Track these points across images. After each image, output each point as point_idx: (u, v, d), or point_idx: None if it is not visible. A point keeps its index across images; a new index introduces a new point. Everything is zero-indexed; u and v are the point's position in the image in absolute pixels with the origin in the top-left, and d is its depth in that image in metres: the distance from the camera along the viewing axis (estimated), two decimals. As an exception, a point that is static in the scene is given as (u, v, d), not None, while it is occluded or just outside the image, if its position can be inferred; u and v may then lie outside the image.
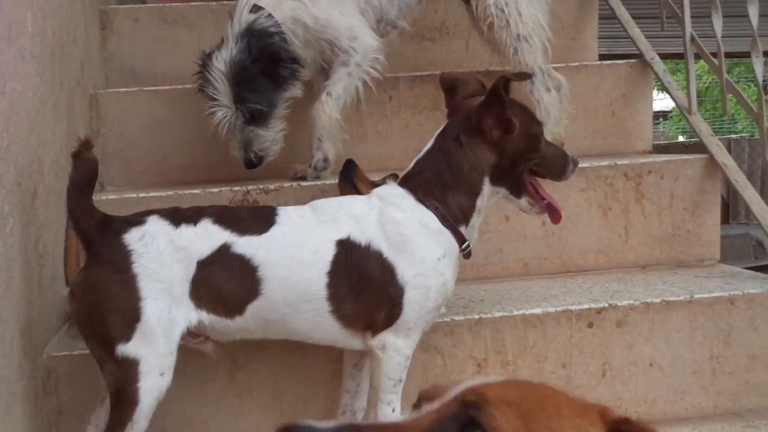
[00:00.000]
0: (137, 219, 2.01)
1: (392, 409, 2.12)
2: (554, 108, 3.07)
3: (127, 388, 1.92)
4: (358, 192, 2.57)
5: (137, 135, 3.04)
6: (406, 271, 2.07)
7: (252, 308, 2.03)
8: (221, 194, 2.72)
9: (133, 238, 1.97)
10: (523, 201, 2.22)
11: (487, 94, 2.12)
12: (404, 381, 2.13)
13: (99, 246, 1.96)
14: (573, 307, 2.49)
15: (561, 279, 2.87)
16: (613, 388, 2.52)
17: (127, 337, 1.92)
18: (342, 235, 2.07)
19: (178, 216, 2.03)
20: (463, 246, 2.17)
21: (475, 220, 2.20)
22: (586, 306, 2.49)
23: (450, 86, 2.30)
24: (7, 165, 2.00)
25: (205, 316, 2.02)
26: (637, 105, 3.41)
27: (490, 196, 2.19)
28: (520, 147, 2.14)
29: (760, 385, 2.60)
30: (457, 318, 2.45)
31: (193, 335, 2.06)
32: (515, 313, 2.46)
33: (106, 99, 3.22)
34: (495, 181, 2.16)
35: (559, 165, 2.23)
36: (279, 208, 2.13)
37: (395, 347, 2.09)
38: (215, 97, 2.76)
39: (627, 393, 2.53)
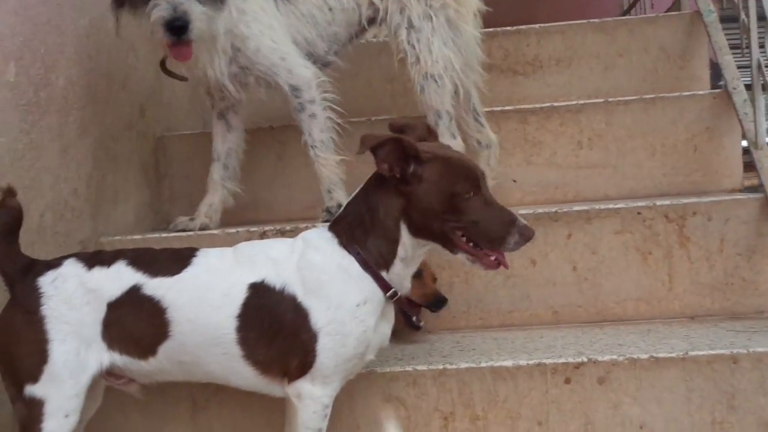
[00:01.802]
0: (56, 262, 2.12)
1: None
2: None
3: (31, 427, 2.02)
4: None
5: (203, 176, 3.13)
6: (320, 317, 2.04)
7: (163, 350, 2.08)
8: (238, 235, 2.81)
9: (46, 281, 2.08)
10: (461, 257, 2.09)
11: (382, 139, 2.05)
12: (324, 431, 2.11)
13: (18, 288, 2.09)
14: (547, 361, 2.33)
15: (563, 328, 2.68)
16: (599, 451, 2.32)
17: (34, 378, 2.02)
18: (256, 278, 2.07)
19: (94, 259, 2.13)
20: (388, 294, 2.09)
21: (401, 269, 2.10)
22: (562, 360, 2.32)
23: (398, 131, 2.26)
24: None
25: (118, 358, 2.09)
26: (723, 139, 3.10)
27: (415, 247, 2.09)
28: (431, 203, 2.03)
29: (779, 450, 2.27)
30: (419, 368, 2.37)
31: (115, 376, 2.16)
32: (483, 365, 2.35)
33: (172, 141, 3.45)
34: (415, 233, 2.08)
35: (493, 233, 2.03)
36: (201, 250, 2.18)
37: (311, 395, 2.07)
38: None
39: (615, 457, 2.32)
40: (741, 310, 2.69)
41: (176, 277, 2.08)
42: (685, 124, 3.13)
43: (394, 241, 2.08)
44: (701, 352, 2.28)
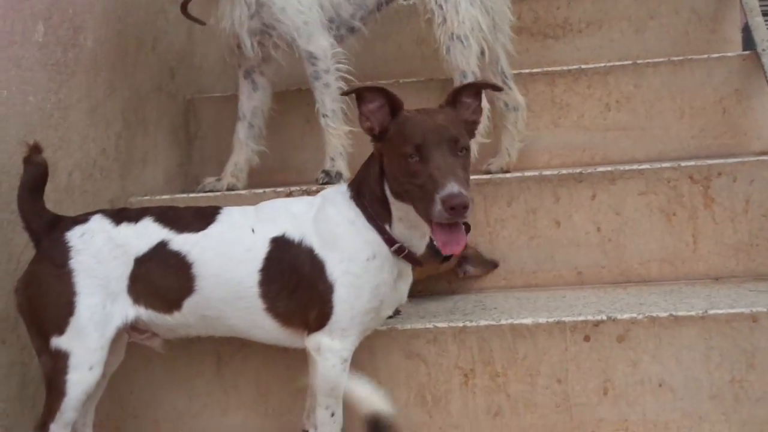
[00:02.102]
0: (82, 218, 2.17)
1: (331, 413, 2.13)
2: (484, 117, 2.87)
3: (56, 379, 2.06)
4: None
5: (231, 138, 3.16)
6: (335, 268, 2.07)
7: (188, 304, 2.13)
8: (265, 195, 2.84)
9: (74, 235, 2.12)
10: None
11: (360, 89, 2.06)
12: (344, 386, 2.11)
13: (44, 243, 2.14)
14: (567, 319, 2.34)
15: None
16: (617, 409, 2.32)
17: (60, 330, 2.07)
18: (277, 233, 2.12)
19: (121, 215, 2.18)
20: (393, 247, 2.10)
21: (403, 228, 2.09)
22: (581, 318, 2.33)
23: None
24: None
25: (144, 312, 2.14)
26: (752, 101, 3.07)
27: (403, 209, 2.06)
28: (390, 163, 2.02)
29: (795, 415, 2.26)
30: (440, 325, 2.39)
31: (138, 331, 2.21)
32: (503, 322, 2.36)
33: (202, 104, 3.48)
34: (393, 194, 2.06)
35: (419, 201, 1.95)
36: (224, 208, 2.22)
37: (330, 349, 2.10)
38: None
39: (633, 415, 2.33)
40: (765, 272, 2.68)
41: (201, 233, 2.13)
42: (713, 86, 3.10)
43: (384, 201, 2.09)
44: (721, 311, 2.28)
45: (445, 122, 1.98)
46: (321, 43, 2.90)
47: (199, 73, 3.56)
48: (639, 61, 3.16)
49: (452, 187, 1.86)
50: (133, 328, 2.18)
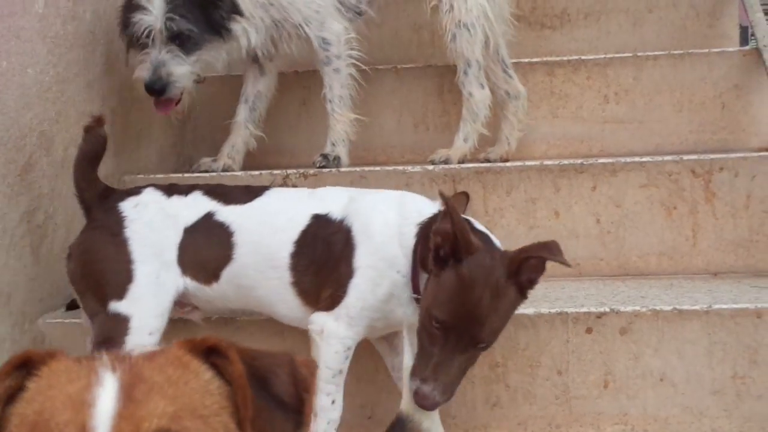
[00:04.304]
0: (135, 190, 2.21)
1: (332, 400, 2.08)
2: (484, 108, 2.89)
3: (116, 339, 2.07)
4: None
5: (228, 120, 3.13)
6: (363, 256, 2.05)
7: (226, 273, 2.13)
8: (261, 177, 2.80)
9: (128, 206, 2.15)
10: None
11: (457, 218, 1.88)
12: (345, 373, 2.10)
13: (97, 212, 2.16)
14: (569, 310, 2.32)
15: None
16: (618, 402, 2.31)
17: (120, 296, 2.08)
18: (322, 210, 2.12)
19: (172, 188, 2.21)
20: (414, 295, 2.04)
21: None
22: (584, 309, 2.31)
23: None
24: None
25: (189, 283, 2.15)
26: (751, 97, 3.07)
27: None
28: (425, 301, 1.94)
29: (796, 412, 2.26)
30: (440, 314, 2.37)
31: (180, 304, 2.20)
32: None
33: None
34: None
35: (417, 349, 1.95)
36: (274, 187, 2.26)
37: (335, 334, 2.06)
38: (146, 6, 2.63)
39: (634, 408, 2.32)
40: (765, 268, 2.67)
41: (247, 205, 2.16)
42: (713, 81, 3.10)
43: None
44: (725, 306, 2.27)
45: (486, 314, 1.85)
46: (334, 28, 2.89)
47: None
48: (639, 54, 3.16)
49: (427, 389, 1.86)
50: (179, 302, 2.18)
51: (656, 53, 3.12)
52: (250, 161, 3.11)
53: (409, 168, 2.74)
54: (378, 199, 2.14)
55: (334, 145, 2.91)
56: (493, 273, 1.86)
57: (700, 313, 2.27)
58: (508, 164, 2.81)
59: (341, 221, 2.09)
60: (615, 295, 2.45)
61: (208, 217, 2.14)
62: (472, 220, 2.05)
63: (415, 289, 2.04)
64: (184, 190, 2.19)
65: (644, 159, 2.72)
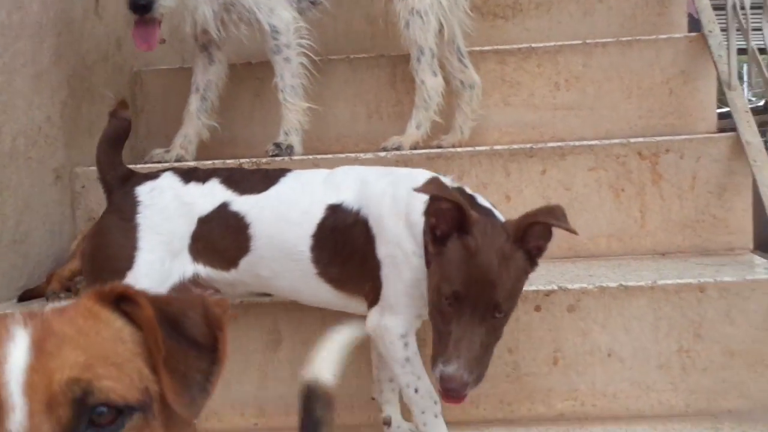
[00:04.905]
0: (154, 174, 2.18)
1: (414, 389, 2.03)
2: (437, 95, 2.92)
3: None
4: None
5: (180, 113, 3.12)
6: (381, 247, 2.01)
7: (244, 263, 2.11)
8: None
9: (144, 190, 2.13)
10: None
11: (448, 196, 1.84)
12: (415, 360, 2.03)
13: (115, 196, 2.15)
14: (518, 289, 2.34)
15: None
16: (567, 378, 2.34)
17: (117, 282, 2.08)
18: (336, 200, 2.07)
19: (190, 174, 2.18)
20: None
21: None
22: (533, 288, 2.34)
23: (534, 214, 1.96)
24: None
25: (202, 269, 2.13)
26: (698, 82, 3.12)
27: None
28: (431, 281, 1.90)
29: (740, 384, 2.31)
30: (391, 294, 2.38)
31: (201, 286, 2.18)
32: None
33: (149, 76, 3.44)
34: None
35: (434, 337, 1.89)
36: (293, 171, 2.20)
37: (384, 327, 2.02)
38: None
39: (583, 384, 2.34)
40: (711, 247, 2.72)
41: (262, 195, 2.12)
42: (661, 67, 3.14)
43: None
44: (669, 281, 2.30)
45: (498, 275, 1.78)
46: (284, 16, 2.89)
47: (146, 46, 3.49)
48: (588, 41, 3.19)
49: (452, 369, 1.75)
50: (195, 283, 2.16)
51: (605, 40, 3.16)
52: (205, 152, 3.10)
53: (362, 155, 2.76)
54: (388, 182, 2.06)
55: (287, 134, 2.92)
56: (497, 239, 1.81)
57: (645, 288, 2.30)
58: (459, 150, 2.84)
59: (357, 212, 2.04)
60: (564, 275, 2.48)
61: (223, 208, 2.10)
62: (477, 195, 2.02)
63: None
64: (202, 177, 2.15)
65: (592, 142, 2.76)
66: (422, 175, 2.05)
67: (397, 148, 2.85)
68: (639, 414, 2.33)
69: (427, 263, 1.94)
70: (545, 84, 3.20)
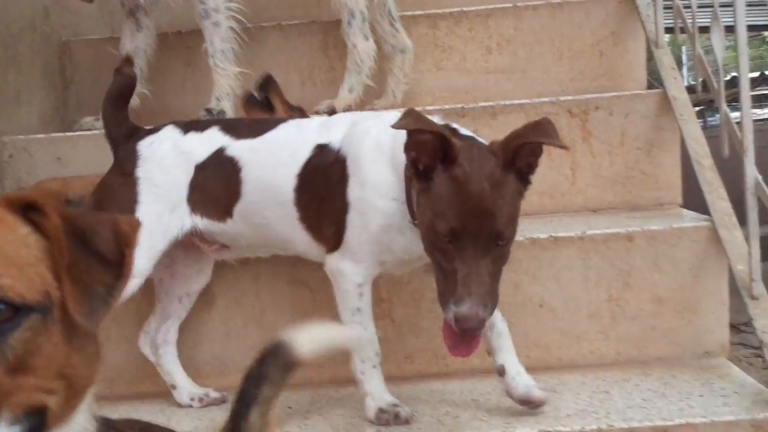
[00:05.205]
0: (157, 128, 2.17)
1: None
2: (369, 59, 2.92)
3: None
4: (271, 109, 2.58)
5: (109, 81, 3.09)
6: (354, 189, 1.96)
7: (237, 211, 2.09)
8: (145, 136, 2.77)
9: (145, 144, 2.13)
10: None
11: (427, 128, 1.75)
12: (367, 311, 2.03)
13: (120, 151, 2.16)
14: (450, 243, 2.34)
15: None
16: (500, 330, 2.35)
17: None
18: (324, 140, 2.02)
19: (191, 125, 2.17)
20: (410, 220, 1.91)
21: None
22: (464, 242, 2.34)
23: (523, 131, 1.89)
24: None
25: (200, 221, 2.12)
26: (627, 43, 3.16)
27: None
28: (422, 217, 1.80)
29: (669, 331, 2.35)
30: (325, 252, 2.38)
31: (207, 242, 2.18)
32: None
33: (79, 47, 3.39)
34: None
35: (440, 293, 1.81)
36: (296, 119, 2.19)
37: (342, 272, 1.99)
38: None
39: (516, 336, 2.31)
40: (641, 203, 2.76)
41: (257, 139, 2.10)
42: (591, 28, 3.18)
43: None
44: (598, 231, 2.34)
45: (493, 203, 1.72)
46: None
47: (75, 15, 3.45)
48: (519, 4, 3.22)
49: (466, 307, 1.69)
50: (201, 239, 2.16)
51: (536, 3, 3.19)
52: (137, 121, 3.05)
53: (293, 121, 2.74)
54: (373, 123, 1.99)
55: (218, 99, 2.90)
56: (486, 164, 1.73)
57: (575, 239, 2.33)
58: (390, 111, 2.83)
59: (338, 150, 1.98)
60: (495, 230, 2.49)
61: (219, 153, 2.09)
62: (457, 126, 1.95)
63: (413, 214, 1.90)
64: (203, 126, 2.15)
65: (523, 101, 2.78)
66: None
67: (330, 112, 2.85)
68: (571, 363, 2.36)
69: (410, 204, 1.88)
70: (477, 48, 3.22)
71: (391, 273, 2.12)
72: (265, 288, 2.38)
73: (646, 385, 2.17)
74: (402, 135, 1.80)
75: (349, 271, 1.99)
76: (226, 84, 2.91)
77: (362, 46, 2.93)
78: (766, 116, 8.03)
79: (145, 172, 2.09)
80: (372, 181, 1.93)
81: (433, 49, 3.23)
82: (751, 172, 2.14)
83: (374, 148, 1.94)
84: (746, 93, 2.10)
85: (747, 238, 2.19)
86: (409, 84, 3.11)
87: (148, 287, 2.37)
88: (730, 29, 2.32)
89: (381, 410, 2.01)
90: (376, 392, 2.03)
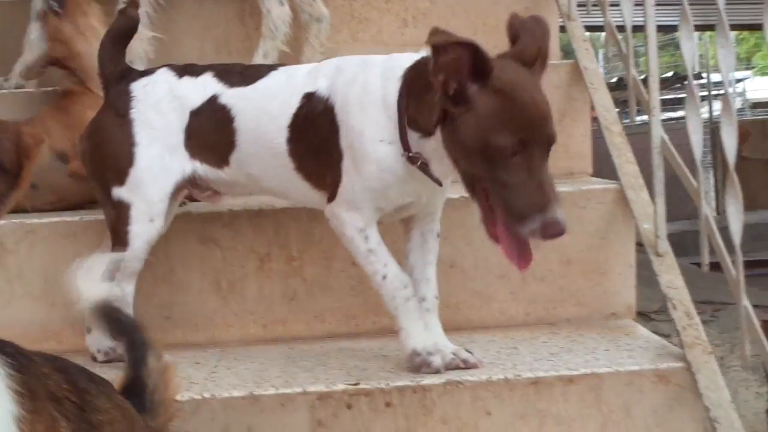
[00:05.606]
0: (150, 70, 2.16)
1: (382, 276, 1.99)
2: (283, 24, 2.92)
3: (119, 230, 2.06)
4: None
5: (19, 45, 3.00)
6: (344, 136, 1.94)
7: (234, 160, 2.07)
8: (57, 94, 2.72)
9: (138, 85, 2.10)
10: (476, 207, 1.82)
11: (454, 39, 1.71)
12: (379, 250, 1.99)
13: (111, 92, 2.13)
14: (360, 203, 2.34)
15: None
16: (412, 291, 2.35)
17: (121, 181, 2.05)
18: (312, 88, 1.99)
19: (185, 69, 2.14)
20: (403, 154, 1.89)
21: (435, 163, 1.89)
22: (376, 203, 2.34)
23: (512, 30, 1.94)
24: None
25: (199, 166, 2.09)
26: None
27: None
28: (466, 141, 1.73)
29: (577, 292, 2.39)
30: (235, 209, 2.36)
31: (200, 188, 2.15)
32: (298, 206, 2.34)
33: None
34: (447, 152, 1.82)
35: (515, 209, 1.70)
36: (290, 65, 2.18)
37: (340, 219, 1.97)
38: None
39: (426, 296, 2.36)
40: (552, 172, 2.75)
41: (249, 87, 2.07)
42: (506, 4, 3.18)
43: (429, 134, 1.85)
44: (509, 192, 2.35)
45: (547, 107, 1.71)
46: None
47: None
48: (435, -22, 3.23)
49: (557, 214, 1.67)
50: (193, 184, 2.13)
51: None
52: (49, 83, 3.01)
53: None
54: (360, 69, 1.96)
55: (131, 63, 2.84)
56: (521, 72, 1.74)
57: (486, 199, 2.33)
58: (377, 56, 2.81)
59: (326, 99, 1.96)
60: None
61: (213, 100, 2.06)
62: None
63: (405, 148, 1.88)
64: (197, 71, 2.11)
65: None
66: (400, 59, 1.96)
67: None
68: (480, 324, 2.38)
69: (404, 141, 1.86)
70: (393, 20, 3.22)
71: (381, 221, 2.07)
72: (175, 246, 2.34)
73: (553, 342, 2.21)
74: (393, 73, 1.87)
75: (348, 218, 1.98)
76: (140, 48, 2.87)
77: (276, 12, 2.91)
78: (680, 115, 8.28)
79: (140, 113, 2.07)
80: (361, 126, 1.92)
81: (349, 21, 3.23)
82: (657, 132, 2.19)
83: (361, 93, 1.93)
84: (653, 49, 2.15)
85: (652, 197, 2.24)
86: (325, 54, 3.09)
87: (51, 243, 2.33)
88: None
89: (415, 352, 1.98)
90: (413, 330, 1.97)
